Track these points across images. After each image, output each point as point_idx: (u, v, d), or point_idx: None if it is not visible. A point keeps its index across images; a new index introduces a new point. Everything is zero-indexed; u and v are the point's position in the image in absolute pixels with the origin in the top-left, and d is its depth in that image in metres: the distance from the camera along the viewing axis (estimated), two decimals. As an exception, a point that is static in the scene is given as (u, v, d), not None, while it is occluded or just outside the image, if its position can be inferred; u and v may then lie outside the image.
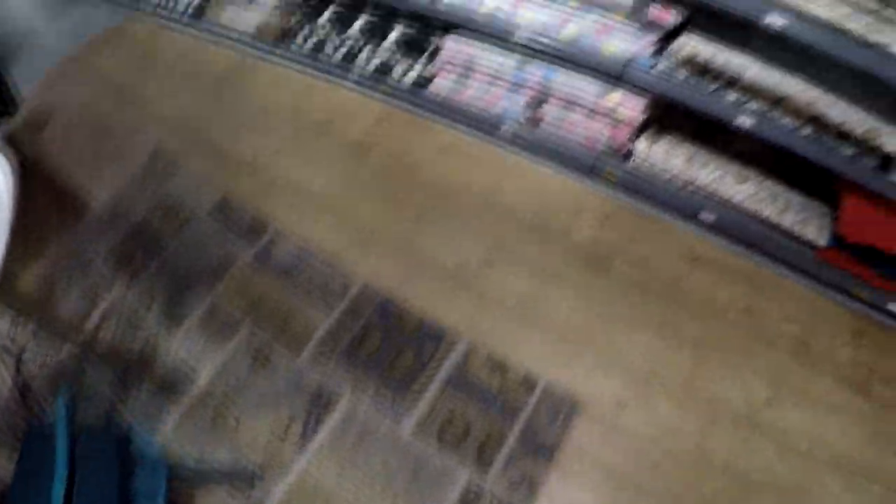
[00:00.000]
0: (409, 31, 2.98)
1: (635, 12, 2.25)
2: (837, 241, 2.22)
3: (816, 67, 2.09)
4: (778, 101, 2.10)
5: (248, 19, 3.68)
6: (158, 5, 4.50)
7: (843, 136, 2.00)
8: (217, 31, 4.03)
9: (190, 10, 4.20)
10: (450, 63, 2.84)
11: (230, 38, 3.93)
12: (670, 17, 2.22)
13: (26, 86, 4.58)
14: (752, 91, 2.13)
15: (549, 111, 2.68)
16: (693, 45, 2.19)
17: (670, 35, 2.28)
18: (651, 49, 2.33)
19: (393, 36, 3.01)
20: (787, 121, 2.11)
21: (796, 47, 1.94)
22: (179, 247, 3.12)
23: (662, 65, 2.30)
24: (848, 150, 2.01)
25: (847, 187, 2.14)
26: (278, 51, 3.60)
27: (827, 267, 2.29)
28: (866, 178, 2.03)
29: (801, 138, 2.09)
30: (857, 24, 1.80)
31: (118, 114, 3.99)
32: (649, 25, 2.28)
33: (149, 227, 3.24)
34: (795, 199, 2.38)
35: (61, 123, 4.18)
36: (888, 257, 2.05)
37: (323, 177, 3.10)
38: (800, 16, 1.85)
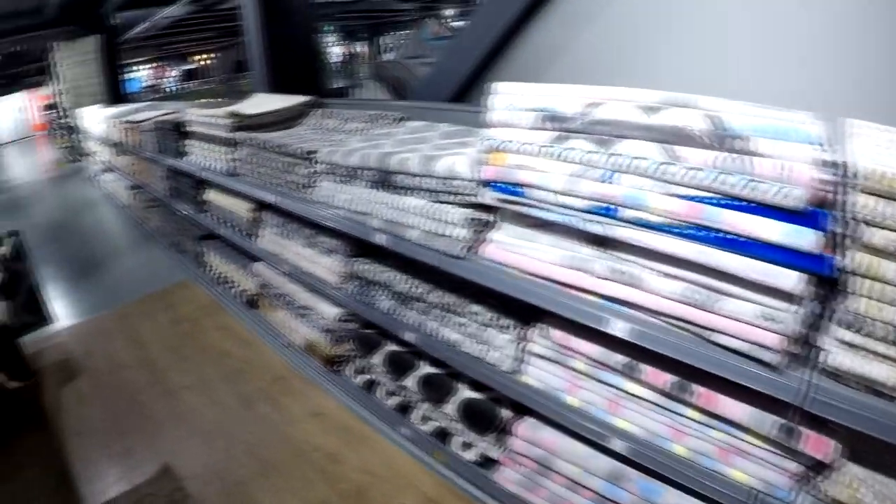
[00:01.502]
0: (475, 397, 2.67)
1: (781, 438, 1.78)
2: None
3: None
4: None
5: (299, 331, 3.58)
6: (218, 281, 4.63)
7: None
8: (268, 329, 3.99)
9: (243, 298, 4.25)
10: (521, 454, 2.46)
11: (280, 343, 3.87)
12: (830, 449, 1.73)
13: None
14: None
15: (651, 535, 2.18)
16: (853, 482, 1.68)
17: (821, 465, 1.79)
18: (793, 481, 1.84)
19: (455, 400, 2.70)
20: None
21: None
22: None
23: (807, 502, 1.80)
24: None
25: None
26: (326, 376, 3.41)
27: None
28: None
29: None
30: None
31: (143, 398, 3.95)
32: (796, 454, 1.81)
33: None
34: None
35: (84, 382, 4.28)
36: None
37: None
38: None
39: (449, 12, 20.09)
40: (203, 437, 3.46)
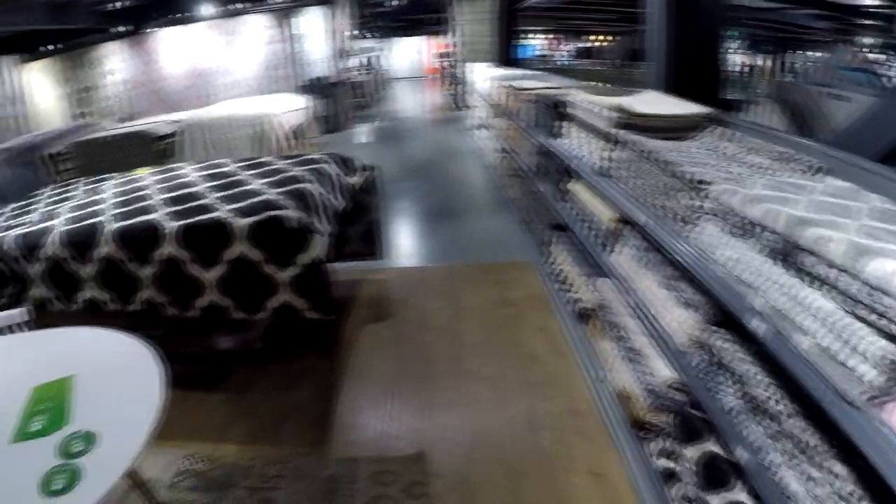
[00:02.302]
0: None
1: None
2: None
3: None
4: None
5: (619, 372, 3.24)
6: (557, 277, 4.46)
7: None
8: (588, 352, 3.72)
9: (575, 308, 4.01)
10: None
11: (595, 374, 3.62)
12: None
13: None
14: None
15: None
16: None
17: None
18: None
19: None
20: None
21: None
22: None
23: None
24: None
25: None
26: (626, 436, 3.05)
27: None
28: None
29: None
30: None
31: (435, 369, 4.05)
32: None
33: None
34: None
35: (386, 328, 4.63)
36: None
37: None
38: None
39: (868, 41, 17.51)
40: (472, 438, 3.37)
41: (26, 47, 15.99)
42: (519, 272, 5.37)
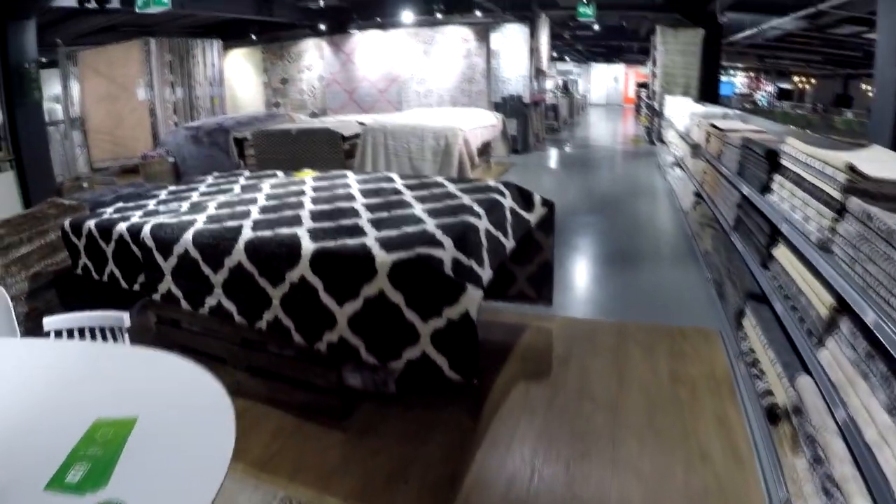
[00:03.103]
0: None
1: None
2: None
3: None
4: None
5: (809, 498, 2.60)
6: (746, 358, 3.83)
7: None
8: (773, 463, 3.08)
9: (764, 402, 3.35)
10: None
11: (778, 495, 2.93)
12: None
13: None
14: None
15: None
16: None
17: None
18: None
19: None
20: None
21: None
22: None
23: None
24: None
25: None
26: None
27: None
28: None
29: None
30: None
31: (586, 450, 3.56)
32: None
33: None
34: None
35: (539, 390, 4.19)
36: None
37: None
38: None
39: None
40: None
41: (230, 34, 17.48)
42: (700, 342, 4.75)
